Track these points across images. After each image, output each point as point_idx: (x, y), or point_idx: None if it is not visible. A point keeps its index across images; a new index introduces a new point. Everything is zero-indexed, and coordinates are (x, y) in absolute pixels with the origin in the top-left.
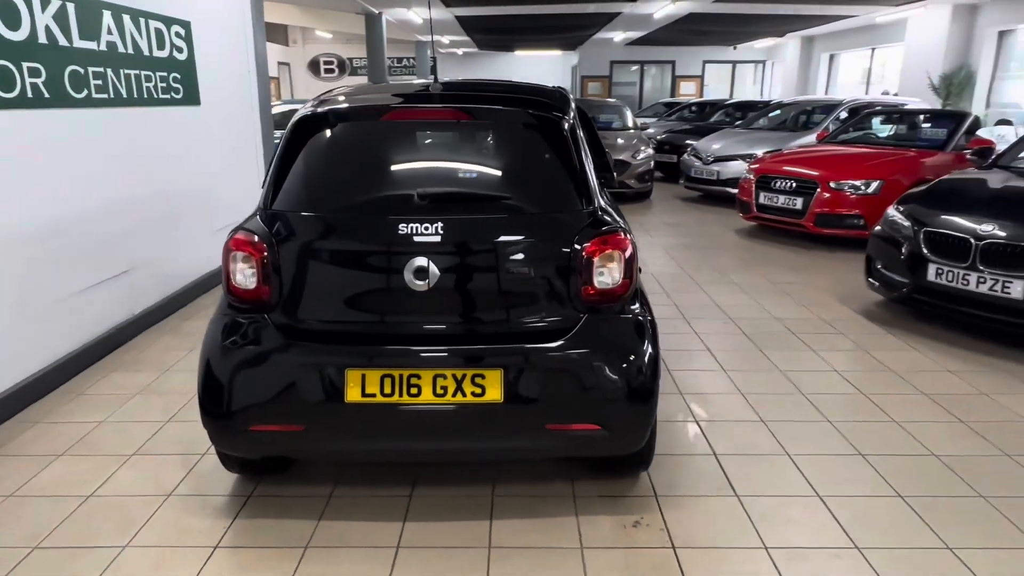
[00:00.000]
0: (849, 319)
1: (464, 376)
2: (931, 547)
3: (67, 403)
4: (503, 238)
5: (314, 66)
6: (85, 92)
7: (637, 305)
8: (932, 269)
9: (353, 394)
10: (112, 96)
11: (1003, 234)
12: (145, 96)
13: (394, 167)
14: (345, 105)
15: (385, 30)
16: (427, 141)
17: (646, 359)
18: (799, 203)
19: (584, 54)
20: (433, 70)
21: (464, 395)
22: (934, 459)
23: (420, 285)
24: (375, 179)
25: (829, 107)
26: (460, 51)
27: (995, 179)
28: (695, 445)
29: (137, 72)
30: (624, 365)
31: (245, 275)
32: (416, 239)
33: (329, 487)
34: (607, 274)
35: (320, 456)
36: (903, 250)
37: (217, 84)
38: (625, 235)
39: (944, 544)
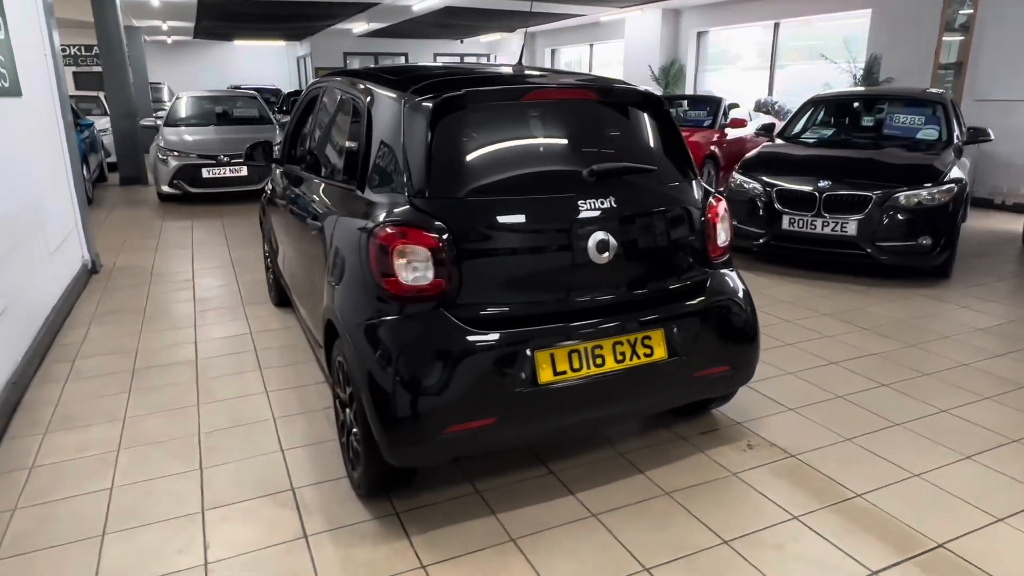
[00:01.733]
0: None
1: (636, 340)
2: (933, 413)
3: (24, 483)
4: (658, 207)
5: None
6: None
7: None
8: (786, 219)
9: (545, 375)
10: None
11: (837, 187)
12: None
13: (546, 145)
14: (484, 87)
15: (120, 14)
16: (566, 120)
17: (749, 302)
18: None
19: (315, 45)
20: (519, 55)
21: (639, 357)
22: (876, 356)
23: (603, 258)
24: (531, 159)
25: None
26: (170, 40)
27: (796, 149)
28: None
29: None
30: (740, 311)
31: (414, 270)
32: (594, 215)
33: (466, 486)
34: (722, 233)
35: (498, 446)
36: (759, 206)
37: (30, 71)
38: (721, 199)
39: (940, 409)
